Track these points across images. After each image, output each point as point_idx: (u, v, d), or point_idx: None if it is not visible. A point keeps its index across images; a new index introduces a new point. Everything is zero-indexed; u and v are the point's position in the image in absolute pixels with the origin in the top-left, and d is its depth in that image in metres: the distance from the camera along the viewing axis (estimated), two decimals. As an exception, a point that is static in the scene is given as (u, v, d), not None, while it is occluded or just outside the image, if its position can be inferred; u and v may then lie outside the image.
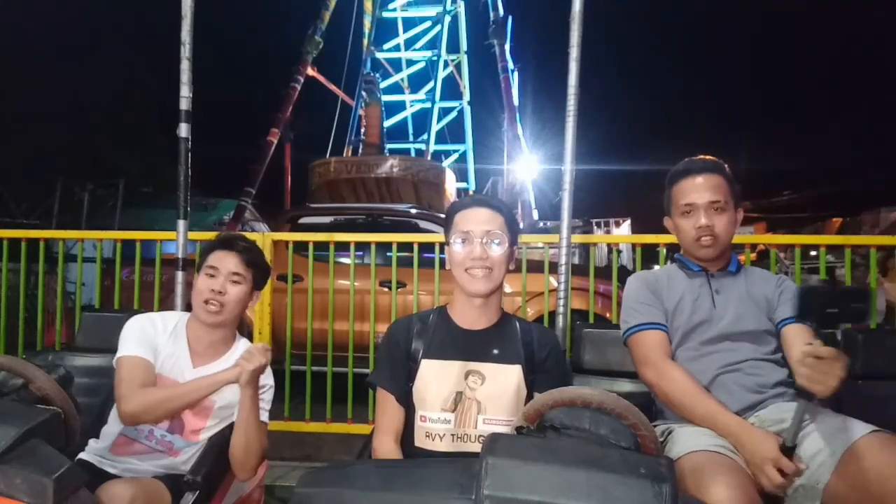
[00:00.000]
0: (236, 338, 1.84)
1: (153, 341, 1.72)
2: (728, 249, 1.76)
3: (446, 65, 16.72)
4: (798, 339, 1.62)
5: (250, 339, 1.97)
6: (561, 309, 2.42)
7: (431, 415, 1.51)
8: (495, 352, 1.55)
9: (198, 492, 1.57)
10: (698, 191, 1.71)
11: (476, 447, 1.48)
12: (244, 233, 2.89)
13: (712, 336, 1.67)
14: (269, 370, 1.77)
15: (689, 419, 1.55)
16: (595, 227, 14.67)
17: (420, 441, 1.52)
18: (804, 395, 1.29)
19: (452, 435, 1.50)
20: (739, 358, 1.64)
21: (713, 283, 1.74)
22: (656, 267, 1.82)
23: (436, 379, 1.52)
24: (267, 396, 1.74)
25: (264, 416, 1.72)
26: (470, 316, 1.58)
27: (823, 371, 1.26)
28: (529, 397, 1.54)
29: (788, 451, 1.34)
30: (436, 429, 1.50)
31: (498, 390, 1.51)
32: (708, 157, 1.77)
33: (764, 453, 1.36)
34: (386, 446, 1.52)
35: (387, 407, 1.56)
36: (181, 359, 1.73)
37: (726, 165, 1.77)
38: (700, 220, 1.69)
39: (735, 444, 1.44)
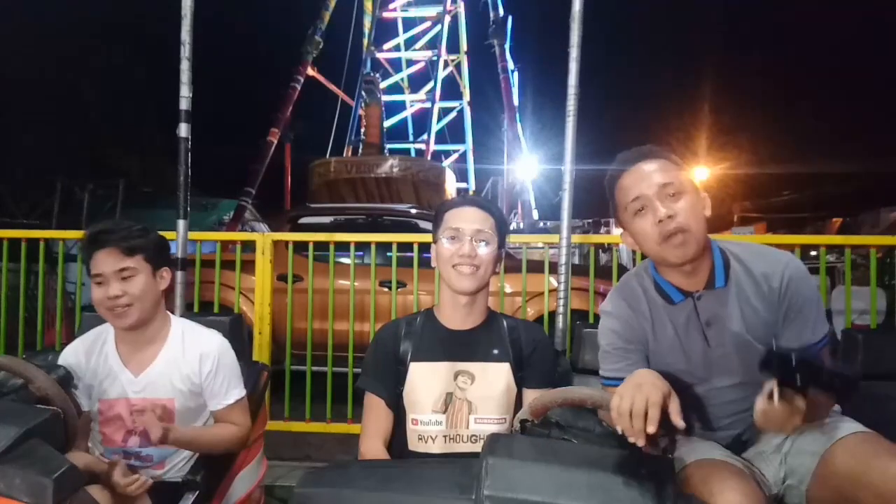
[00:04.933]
0: (170, 320, 1.68)
1: (86, 385, 1.63)
2: (706, 244, 1.40)
3: (446, 65, 16.71)
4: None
5: (250, 338, 1.93)
6: (561, 309, 2.42)
7: (423, 417, 1.50)
8: (483, 351, 1.54)
9: (198, 492, 1.57)
10: (644, 179, 1.38)
11: (468, 447, 1.48)
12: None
13: (714, 388, 1.47)
14: (215, 353, 1.64)
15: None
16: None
17: (413, 444, 1.51)
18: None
19: (444, 436, 1.49)
20: (748, 406, 1.36)
21: (701, 313, 1.43)
22: (634, 278, 1.58)
23: (425, 381, 1.52)
24: (216, 383, 1.63)
25: (232, 398, 1.65)
26: (457, 316, 1.57)
27: (782, 419, 1.21)
28: (520, 394, 1.54)
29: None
30: (428, 430, 1.50)
31: (488, 389, 1.51)
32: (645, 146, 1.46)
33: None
34: (373, 449, 1.50)
35: (375, 411, 1.54)
36: (119, 374, 1.62)
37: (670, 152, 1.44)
38: (658, 212, 1.35)
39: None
